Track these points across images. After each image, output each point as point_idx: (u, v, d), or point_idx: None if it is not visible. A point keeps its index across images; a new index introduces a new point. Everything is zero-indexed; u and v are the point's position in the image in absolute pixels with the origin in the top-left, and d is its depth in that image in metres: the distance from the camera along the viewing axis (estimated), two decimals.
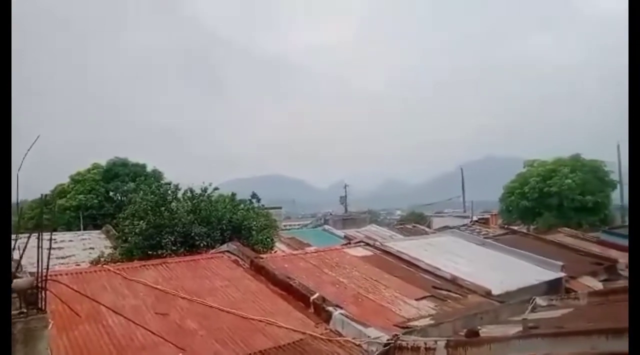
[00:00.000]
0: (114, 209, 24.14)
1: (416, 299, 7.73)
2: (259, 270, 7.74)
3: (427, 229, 25.65)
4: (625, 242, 16.48)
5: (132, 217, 11.11)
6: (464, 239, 12.82)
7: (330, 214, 38.48)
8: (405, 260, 9.82)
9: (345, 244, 11.44)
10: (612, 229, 21.12)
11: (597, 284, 10.39)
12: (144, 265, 7.54)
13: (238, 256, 8.28)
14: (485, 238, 14.20)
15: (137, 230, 10.58)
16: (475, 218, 33.57)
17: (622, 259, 12.92)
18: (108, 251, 13.05)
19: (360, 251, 10.29)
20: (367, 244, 10.82)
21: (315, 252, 9.76)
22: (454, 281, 8.80)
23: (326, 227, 23.22)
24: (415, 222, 34.49)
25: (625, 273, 11.99)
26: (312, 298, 6.55)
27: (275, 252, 12.02)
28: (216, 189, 12.39)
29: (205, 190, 12.01)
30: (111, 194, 27.10)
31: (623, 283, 9.82)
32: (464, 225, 25.91)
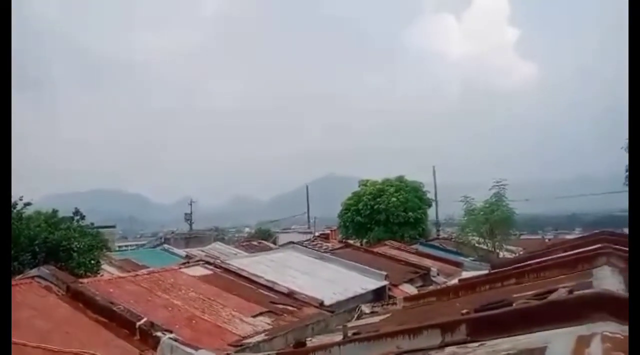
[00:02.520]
0: None
1: (253, 316, 7.74)
2: (77, 297, 6.86)
3: (272, 246, 26.12)
4: (437, 253, 19.25)
5: None
6: (303, 253, 13.36)
7: (172, 233, 36.49)
8: (245, 277, 9.79)
9: (183, 264, 10.92)
10: (428, 241, 24.52)
11: (413, 290, 11.77)
12: None
13: (51, 282, 7.22)
14: (323, 252, 15.03)
15: None
16: (317, 233, 35.42)
17: (434, 267, 15.02)
18: None
19: (199, 270, 9.93)
20: (207, 263, 10.50)
21: (147, 274, 9.08)
22: (290, 295, 9.06)
23: (166, 246, 21.91)
24: (262, 239, 34.83)
25: (436, 279, 13.91)
26: (138, 324, 6.05)
27: (101, 275, 10.89)
28: (28, 204, 10.74)
29: (14, 205, 10.31)
30: None
31: (433, 288, 11.33)
32: (307, 240, 27.07)
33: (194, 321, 7.11)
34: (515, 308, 3.66)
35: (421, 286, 12.83)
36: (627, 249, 7.53)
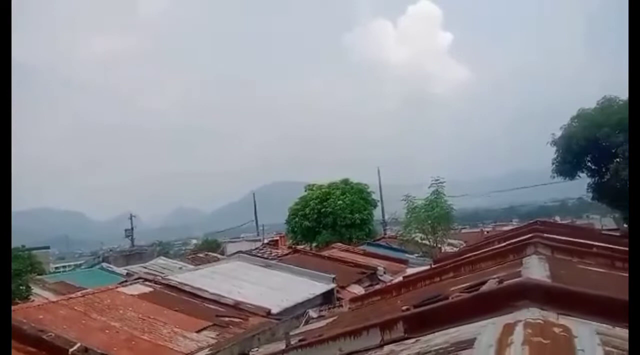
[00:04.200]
0: None
1: (197, 331, 7.49)
2: None
3: (219, 256, 25.52)
4: (383, 252, 19.62)
5: None
6: (250, 262, 13.14)
7: (111, 251, 34.78)
8: (188, 292, 9.47)
9: (121, 283, 10.39)
10: (375, 241, 24.96)
11: (361, 290, 11.89)
12: None
13: None
14: (270, 259, 14.89)
15: None
16: (266, 241, 35.06)
17: (381, 266, 15.30)
18: None
19: (139, 288, 9.49)
20: (147, 280, 10.06)
21: (82, 296, 8.54)
22: (236, 306, 8.87)
23: (104, 265, 20.77)
24: (209, 250, 33.94)
25: (383, 278, 14.15)
26: (71, 350, 5.67)
27: (32, 301, 10.15)
28: None
29: None
30: None
31: (379, 286, 11.50)
32: (255, 248, 26.72)
33: (133, 342, 6.77)
34: (448, 303, 3.78)
35: (369, 286, 12.99)
36: (554, 236, 8.05)
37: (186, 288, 9.52)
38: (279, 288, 10.66)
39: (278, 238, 35.54)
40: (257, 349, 6.09)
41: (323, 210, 27.25)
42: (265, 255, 18.20)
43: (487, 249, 8.60)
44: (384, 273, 14.43)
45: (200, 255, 27.64)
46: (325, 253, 17.24)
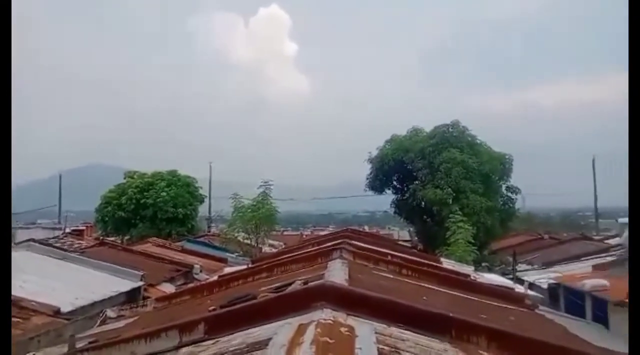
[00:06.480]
0: None
1: None
2: None
3: None
4: (203, 249, 19.15)
5: None
6: (42, 253, 11.39)
7: None
8: None
9: None
10: (197, 237, 24.25)
11: (172, 289, 11.34)
12: None
13: None
14: (71, 251, 13.18)
15: None
16: (69, 230, 30.91)
17: (198, 264, 14.84)
18: None
19: None
20: None
21: None
22: (16, 303, 7.52)
23: None
24: None
25: (198, 276, 13.74)
26: None
27: None
28: None
29: None
30: None
31: (192, 285, 11.13)
32: (54, 237, 23.36)
33: None
34: (252, 303, 3.83)
35: (182, 284, 12.47)
36: (359, 243, 8.92)
37: None
38: (74, 284, 9.44)
39: (84, 228, 31.74)
40: (33, 353, 5.28)
41: (143, 201, 25.31)
42: (65, 246, 16.01)
43: (301, 252, 9.09)
44: (200, 271, 14.03)
45: None
46: (138, 248, 16.05)
